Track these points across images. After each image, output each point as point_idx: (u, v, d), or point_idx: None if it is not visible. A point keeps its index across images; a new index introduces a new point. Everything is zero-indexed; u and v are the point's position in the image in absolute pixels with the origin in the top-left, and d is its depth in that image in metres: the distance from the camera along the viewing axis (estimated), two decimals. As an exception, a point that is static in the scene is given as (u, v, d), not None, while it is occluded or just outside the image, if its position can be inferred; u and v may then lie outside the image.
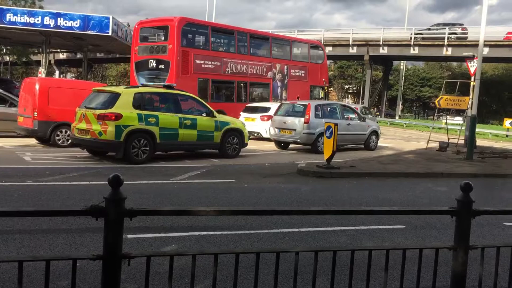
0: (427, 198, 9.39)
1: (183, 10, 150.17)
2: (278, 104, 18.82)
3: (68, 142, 14.20)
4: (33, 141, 14.92)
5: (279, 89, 23.79)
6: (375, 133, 18.24)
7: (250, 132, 16.08)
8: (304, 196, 8.92)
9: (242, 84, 22.35)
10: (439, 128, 32.01)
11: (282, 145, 16.94)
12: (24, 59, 42.45)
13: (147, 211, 2.55)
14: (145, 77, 20.18)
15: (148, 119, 11.80)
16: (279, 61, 23.91)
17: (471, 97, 19.62)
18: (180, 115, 12.54)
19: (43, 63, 25.78)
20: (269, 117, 17.89)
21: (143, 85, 13.99)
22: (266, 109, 19.10)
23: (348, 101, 71.94)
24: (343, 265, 4.46)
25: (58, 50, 44.18)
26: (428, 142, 19.39)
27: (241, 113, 19.47)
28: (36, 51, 37.58)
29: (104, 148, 12.12)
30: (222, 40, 22.76)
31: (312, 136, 15.73)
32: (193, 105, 13.43)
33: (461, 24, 41.92)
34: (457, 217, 2.93)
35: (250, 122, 18.26)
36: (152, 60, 20.16)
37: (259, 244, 5.72)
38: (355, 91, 72.68)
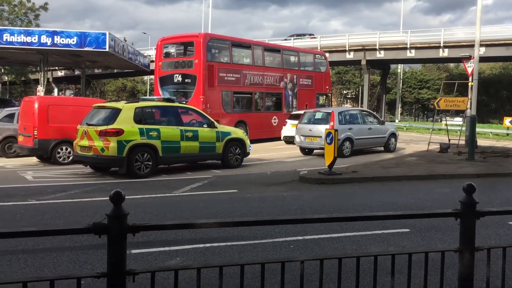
0: (430, 201, 9.36)
1: (179, 23, 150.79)
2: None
3: (69, 160, 14.20)
4: (34, 159, 14.93)
5: (290, 98, 24.98)
6: (394, 135, 19.06)
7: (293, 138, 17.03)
8: (307, 204, 8.89)
9: (259, 94, 23.49)
10: (439, 130, 31.99)
11: (307, 151, 17.74)
12: (22, 78, 42.62)
13: (150, 226, 2.54)
14: (170, 91, 21.10)
15: (150, 133, 11.89)
16: (290, 71, 25.19)
17: (469, 97, 19.63)
18: (181, 127, 12.64)
19: (42, 82, 25.83)
20: None
21: (143, 99, 14.10)
22: None
23: (347, 106, 72.03)
24: (349, 271, 4.43)
25: (56, 68, 44.40)
26: (429, 144, 19.37)
27: (287, 120, 21.40)
28: (34, 69, 37.77)
29: (107, 164, 12.24)
30: (241, 53, 23.85)
31: (337, 141, 16.04)
32: (194, 116, 13.51)
33: (311, 34, 48.16)
34: (461, 219, 2.91)
35: (295, 128, 19.13)
36: (177, 75, 21.02)
37: (264, 253, 5.70)
38: (353, 96, 72.76)
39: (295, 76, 25.31)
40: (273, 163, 15.39)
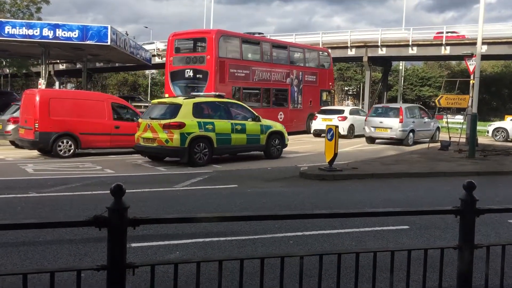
0: (430, 198, 9.36)
1: (182, 17, 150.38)
2: (349, 107, 25.59)
3: (70, 153, 14.21)
4: (35, 152, 14.94)
5: (296, 94, 25.39)
6: (438, 128, 22.56)
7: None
8: (307, 200, 8.90)
9: (266, 90, 24.00)
10: (441, 127, 31.94)
11: (373, 140, 20.84)
12: (24, 71, 42.54)
13: (150, 220, 2.55)
14: (181, 86, 21.56)
15: (206, 126, 13.01)
16: (295, 67, 25.70)
17: (471, 95, 19.59)
18: (231, 121, 13.79)
19: (43, 75, 25.78)
20: (344, 118, 22.60)
21: (196, 96, 14.83)
22: (341, 111, 23.77)
23: (348, 103, 71.93)
24: (348, 267, 4.44)
25: (58, 61, 44.30)
26: (429, 142, 19.33)
27: (317, 115, 23.31)
28: (36, 62, 37.67)
29: (171, 155, 13.21)
30: (250, 50, 24.17)
31: (405, 132, 19.69)
32: (241, 111, 14.69)
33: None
34: (461, 216, 2.92)
35: (328, 122, 20.60)
36: (188, 70, 21.40)
37: (263, 249, 5.71)
38: (355, 93, 72.67)
39: (300, 73, 25.70)
40: (310, 155, 15.81)
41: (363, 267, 3.34)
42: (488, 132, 27.04)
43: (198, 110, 13.14)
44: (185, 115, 12.68)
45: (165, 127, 12.49)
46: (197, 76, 21.17)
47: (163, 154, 13.23)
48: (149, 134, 12.83)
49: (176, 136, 12.36)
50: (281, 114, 24.09)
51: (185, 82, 21.55)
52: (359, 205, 8.43)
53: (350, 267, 4.35)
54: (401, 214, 3.43)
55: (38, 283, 4.23)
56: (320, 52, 28.88)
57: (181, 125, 12.45)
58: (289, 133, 22.39)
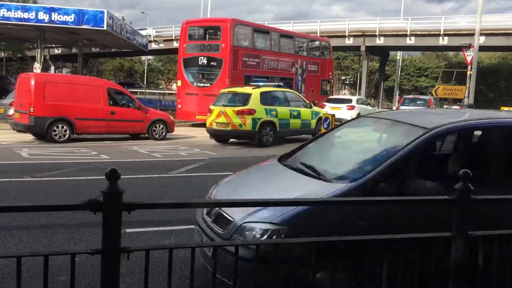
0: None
1: (179, 4, 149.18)
2: (356, 97, 27.13)
3: (65, 138, 14.16)
4: (29, 137, 14.87)
5: (300, 83, 25.89)
6: None
7: (337, 119, 19.59)
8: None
9: (274, 79, 24.49)
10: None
11: None
12: (19, 55, 42.22)
13: (145, 205, 2.54)
14: (193, 72, 22.24)
15: (271, 112, 15.05)
16: (300, 57, 26.35)
17: (468, 86, 19.63)
18: (289, 108, 15.76)
19: (38, 59, 25.58)
20: (352, 107, 24.15)
21: (261, 85, 16.40)
22: (349, 101, 25.40)
23: (345, 92, 71.91)
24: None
25: (53, 45, 43.97)
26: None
27: (326, 103, 24.32)
28: (31, 46, 37.33)
29: (244, 137, 15.09)
30: (260, 39, 24.73)
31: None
32: (297, 99, 16.63)
33: None
34: (455, 205, 2.92)
35: (336, 111, 21.32)
36: (202, 57, 21.91)
37: (258, 236, 5.71)
38: (351, 82, 72.61)
39: (304, 62, 26.36)
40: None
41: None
42: None
43: (264, 98, 15.10)
44: (255, 103, 14.67)
45: (239, 113, 14.39)
46: (211, 63, 21.73)
47: (236, 136, 15.14)
48: (223, 119, 14.70)
49: (248, 121, 14.30)
50: None
51: (198, 69, 22.15)
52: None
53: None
54: (395, 203, 3.44)
55: (33, 266, 4.24)
56: (322, 43, 29.58)
57: (252, 112, 14.44)
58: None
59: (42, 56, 26.67)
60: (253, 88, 15.49)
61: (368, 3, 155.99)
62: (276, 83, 16.87)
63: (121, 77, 64.96)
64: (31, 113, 13.81)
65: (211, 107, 15.33)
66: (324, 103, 24.37)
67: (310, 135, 16.14)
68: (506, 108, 29.31)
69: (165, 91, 44.84)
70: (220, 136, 15.48)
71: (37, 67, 25.06)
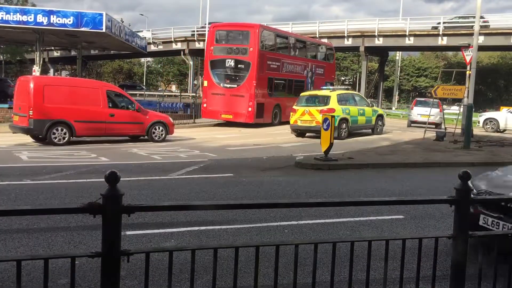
0: (425, 188, 9.40)
1: (180, 5, 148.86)
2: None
3: (65, 140, 14.14)
4: (29, 139, 14.86)
5: (309, 85, 27.25)
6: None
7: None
8: (302, 189, 8.91)
9: (289, 81, 26.05)
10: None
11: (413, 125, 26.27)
12: (18, 58, 42.16)
13: (145, 207, 2.53)
14: (219, 74, 23.47)
15: (346, 111, 18.24)
16: (310, 61, 28.03)
17: (467, 86, 19.62)
18: (357, 106, 19.11)
19: (37, 61, 25.53)
20: None
21: (333, 89, 20.16)
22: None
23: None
24: (342, 256, 4.46)
25: (52, 48, 43.97)
26: (425, 132, 19.39)
27: None
28: (30, 49, 37.31)
29: None
30: (281, 44, 26.40)
31: (441, 118, 22.90)
32: (360, 99, 19.94)
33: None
34: (456, 205, 2.92)
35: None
36: (229, 60, 23.16)
37: (258, 237, 5.72)
38: (351, 83, 72.59)
39: (313, 66, 27.99)
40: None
41: (357, 256, 3.35)
42: (479, 122, 27.24)
43: (340, 99, 18.36)
44: (334, 103, 17.83)
45: (322, 112, 16.18)
46: (239, 66, 22.96)
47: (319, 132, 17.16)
48: (307, 117, 17.75)
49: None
50: None
51: (225, 70, 23.27)
52: (354, 195, 8.45)
53: (345, 256, 4.37)
54: (396, 203, 3.44)
55: (33, 270, 4.23)
56: (328, 47, 31.15)
57: (333, 111, 16.90)
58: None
59: (41, 58, 26.61)
60: (331, 91, 18.70)
61: (367, 4, 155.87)
62: (346, 87, 20.56)
63: (120, 79, 64.97)
64: (31, 116, 13.79)
65: (295, 107, 18.42)
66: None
67: (370, 130, 20.34)
68: (506, 108, 29.30)
69: (165, 93, 44.82)
70: (302, 131, 18.48)
71: (36, 69, 25.01)
